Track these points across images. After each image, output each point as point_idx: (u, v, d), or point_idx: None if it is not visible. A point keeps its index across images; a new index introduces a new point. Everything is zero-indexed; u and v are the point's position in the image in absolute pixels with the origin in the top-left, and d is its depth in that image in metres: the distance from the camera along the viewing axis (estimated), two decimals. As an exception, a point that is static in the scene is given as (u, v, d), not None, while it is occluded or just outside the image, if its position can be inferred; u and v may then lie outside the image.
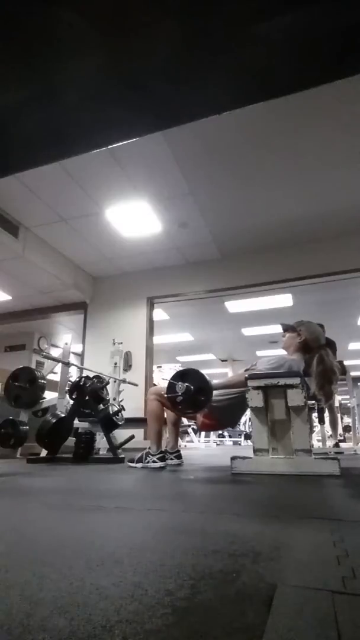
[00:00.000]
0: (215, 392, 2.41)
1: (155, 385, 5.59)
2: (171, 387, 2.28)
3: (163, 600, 0.50)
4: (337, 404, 5.60)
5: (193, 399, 2.24)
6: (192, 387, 2.24)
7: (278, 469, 2.02)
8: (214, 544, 0.76)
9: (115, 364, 4.72)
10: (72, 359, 3.90)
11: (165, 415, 2.79)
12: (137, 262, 5.47)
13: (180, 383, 2.26)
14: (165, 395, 2.37)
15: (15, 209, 4.29)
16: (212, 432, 9.91)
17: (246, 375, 2.29)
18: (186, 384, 2.25)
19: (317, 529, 0.89)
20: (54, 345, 8.25)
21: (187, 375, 2.30)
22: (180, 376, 2.30)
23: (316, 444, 5.51)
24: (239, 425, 12.28)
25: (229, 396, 2.57)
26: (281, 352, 2.67)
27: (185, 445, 7.89)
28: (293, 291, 5.84)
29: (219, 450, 7.18)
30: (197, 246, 5.07)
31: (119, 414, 3.48)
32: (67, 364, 3.63)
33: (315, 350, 2.48)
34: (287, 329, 2.61)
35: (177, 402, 2.26)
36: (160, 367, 8.29)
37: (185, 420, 7.68)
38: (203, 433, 9.14)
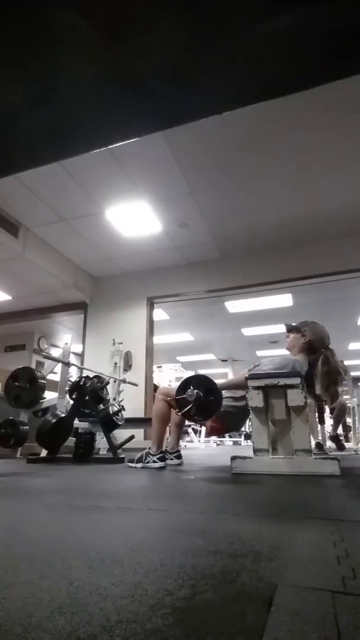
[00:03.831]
0: (225, 400, 2.38)
1: (156, 385, 5.59)
2: (181, 401, 2.22)
3: (163, 600, 0.50)
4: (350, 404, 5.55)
5: (205, 403, 2.20)
6: (201, 393, 2.20)
7: (278, 469, 2.02)
8: (214, 544, 0.76)
9: (115, 364, 4.72)
10: (72, 359, 3.90)
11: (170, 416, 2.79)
12: (137, 262, 5.47)
13: (189, 390, 2.20)
14: (177, 408, 2.30)
15: (15, 209, 4.29)
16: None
17: (247, 375, 2.28)
18: (195, 390, 2.20)
19: (317, 529, 0.89)
20: (54, 345, 8.26)
21: (190, 382, 2.26)
22: (183, 386, 2.25)
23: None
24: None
25: (238, 404, 2.58)
26: (283, 352, 2.67)
27: (185, 445, 7.89)
28: (293, 291, 5.84)
29: (219, 450, 7.17)
30: (197, 246, 5.07)
31: (119, 414, 3.48)
32: (67, 364, 3.63)
33: (319, 351, 2.47)
34: (291, 329, 2.59)
35: (192, 414, 2.21)
36: (160, 367, 8.28)
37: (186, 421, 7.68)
38: (203, 433, 9.13)
